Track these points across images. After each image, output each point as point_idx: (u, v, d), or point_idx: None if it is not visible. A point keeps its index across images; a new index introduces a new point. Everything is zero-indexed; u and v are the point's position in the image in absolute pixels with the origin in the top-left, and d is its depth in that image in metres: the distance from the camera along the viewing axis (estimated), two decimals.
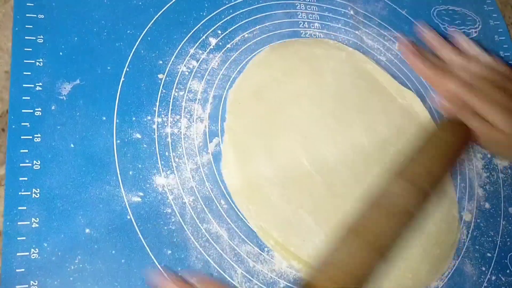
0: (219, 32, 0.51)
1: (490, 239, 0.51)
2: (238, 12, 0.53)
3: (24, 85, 0.43)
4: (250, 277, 0.42)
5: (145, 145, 0.44)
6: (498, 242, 0.51)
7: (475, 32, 0.63)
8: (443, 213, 0.50)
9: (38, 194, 0.40)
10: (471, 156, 0.55)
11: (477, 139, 0.50)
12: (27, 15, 0.45)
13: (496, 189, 0.54)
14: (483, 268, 0.49)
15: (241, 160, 0.46)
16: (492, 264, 0.50)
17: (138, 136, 0.44)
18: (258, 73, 0.51)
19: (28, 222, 0.39)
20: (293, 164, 0.47)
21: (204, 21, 0.51)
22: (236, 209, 0.44)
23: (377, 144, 0.51)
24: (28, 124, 0.42)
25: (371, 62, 0.56)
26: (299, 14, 0.56)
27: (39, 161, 0.41)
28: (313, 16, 0.56)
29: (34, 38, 0.45)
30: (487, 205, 0.53)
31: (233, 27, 0.52)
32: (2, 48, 0.44)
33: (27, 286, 0.37)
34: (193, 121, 0.46)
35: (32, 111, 0.42)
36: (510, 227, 0.52)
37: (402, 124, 0.53)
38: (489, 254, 0.50)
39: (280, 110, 0.50)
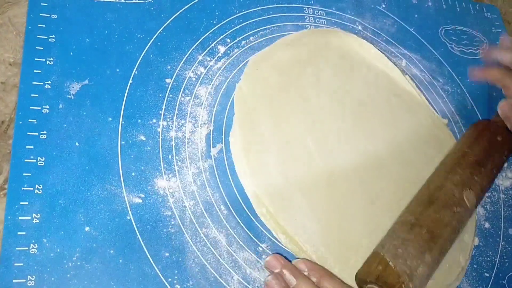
0: (228, 40, 0.52)
1: (488, 259, 0.51)
2: (247, 22, 0.54)
3: (33, 83, 0.43)
4: (246, 284, 0.42)
5: (149, 148, 0.44)
6: (497, 262, 0.51)
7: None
8: None
9: (40, 190, 0.40)
10: None
11: None
12: (40, 14, 0.46)
13: (496, 209, 0.54)
14: None
15: (247, 125, 0.47)
16: (490, 285, 0.50)
17: (143, 138, 0.45)
18: (284, 50, 0.52)
19: (29, 217, 0.39)
20: (298, 142, 0.48)
21: (213, 29, 0.52)
22: (235, 216, 0.44)
23: (392, 153, 0.51)
24: (35, 121, 0.42)
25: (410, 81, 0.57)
26: (308, 27, 0.57)
27: (43, 157, 0.41)
28: (321, 29, 0.57)
29: (46, 37, 0.45)
30: (487, 225, 0.53)
31: (242, 36, 0.53)
32: (14, 45, 0.45)
33: (24, 280, 0.37)
34: (197, 126, 0.47)
35: (39, 108, 0.43)
36: (509, 248, 0.52)
37: (423, 142, 0.54)
38: (487, 274, 0.50)
39: (297, 90, 0.50)
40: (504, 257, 0.52)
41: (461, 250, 0.49)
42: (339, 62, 0.54)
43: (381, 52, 0.57)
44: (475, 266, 0.50)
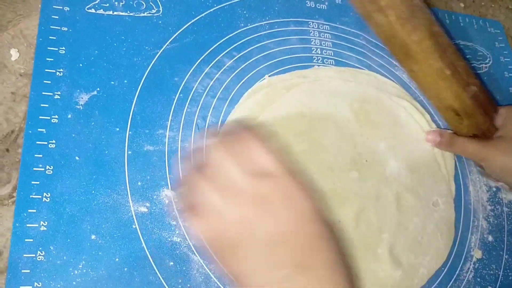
0: (234, 53, 0.53)
1: (492, 272, 0.51)
2: (253, 36, 0.55)
3: (43, 93, 0.44)
4: None
5: (155, 158, 0.45)
6: (500, 276, 0.51)
7: (486, 67, 0.65)
8: None
9: (48, 198, 0.41)
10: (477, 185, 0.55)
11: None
12: (51, 26, 0.47)
13: (500, 223, 0.54)
14: None
15: None
16: None
17: (150, 148, 0.45)
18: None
19: (37, 225, 0.40)
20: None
21: (220, 42, 0.53)
22: None
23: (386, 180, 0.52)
24: (44, 130, 0.43)
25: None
26: (313, 40, 0.57)
27: (52, 166, 0.42)
28: (326, 43, 0.58)
29: (57, 49, 0.46)
30: (490, 238, 0.53)
31: (248, 49, 0.54)
32: (25, 57, 0.46)
33: (31, 287, 0.38)
34: (203, 137, 0.48)
35: (49, 118, 0.44)
36: None
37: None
38: None
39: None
40: (508, 270, 0.52)
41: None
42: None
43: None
44: (479, 279, 0.50)
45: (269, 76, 0.53)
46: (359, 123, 0.53)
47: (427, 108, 0.58)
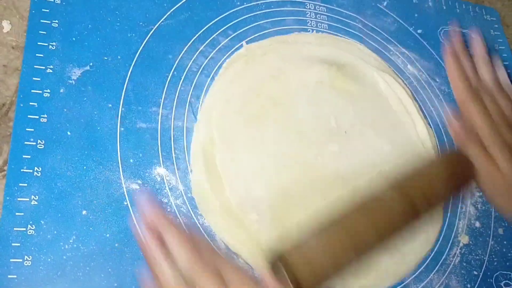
0: (230, 32, 0.53)
1: (478, 257, 0.52)
2: (249, 15, 0.54)
3: (35, 66, 0.44)
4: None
5: (148, 135, 0.45)
6: (485, 261, 0.52)
7: None
8: None
9: (39, 172, 0.41)
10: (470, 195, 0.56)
11: (476, 175, 0.50)
12: None
13: (487, 209, 0.55)
14: (469, 286, 0.50)
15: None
16: (478, 282, 0.51)
17: (142, 125, 0.45)
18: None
19: (28, 199, 0.40)
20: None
21: (215, 20, 0.52)
22: None
23: (369, 158, 0.52)
24: (36, 104, 0.43)
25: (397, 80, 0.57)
26: (309, 21, 0.57)
27: (43, 141, 0.42)
28: (322, 25, 0.58)
29: (49, 22, 0.46)
30: (477, 224, 0.53)
31: (244, 29, 0.53)
32: (17, 29, 0.45)
33: (21, 260, 0.38)
34: (196, 116, 0.47)
35: (41, 92, 0.43)
36: (498, 247, 0.53)
37: (403, 146, 0.54)
38: (475, 272, 0.51)
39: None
40: (493, 256, 0.52)
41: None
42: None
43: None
44: (464, 264, 0.51)
45: (246, 43, 0.53)
46: (335, 89, 0.53)
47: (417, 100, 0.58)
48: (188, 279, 0.35)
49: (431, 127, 0.57)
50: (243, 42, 0.53)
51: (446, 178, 0.46)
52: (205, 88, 0.49)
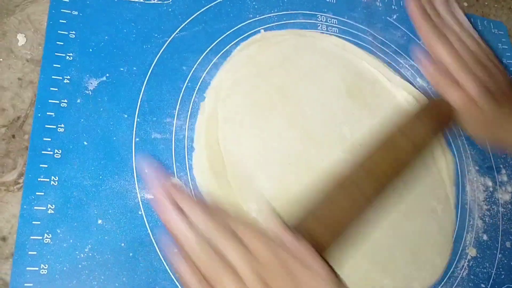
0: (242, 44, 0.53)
1: (485, 270, 0.52)
2: (261, 27, 0.55)
3: (53, 77, 0.44)
4: None
5: (162, 146, 0.46)
6: (493, 274, 0.52)
7: None
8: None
9: (56, 182, 0.41)
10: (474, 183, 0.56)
11: (457, 115, 0.51)
12: (62, 10, 0.47)
13: (495, 222, 0.55)
14: None
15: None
16: None
17: (157, 136, 0.46)
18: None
19: (44, 208, 0.40)
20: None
21: (229, 32, 0.53)
22: None
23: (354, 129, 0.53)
24: (53, 114, 0.43)
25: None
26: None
27: (60, 150, 0.42)
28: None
29: (67, 33, 0.46)
30: (485, 237, 0.54)
31: None
32: (32, 42, 0.46)
33: (37, 268, 0.38)
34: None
35: (58, 102, 0.44)
36: (505, 261, 0.53)
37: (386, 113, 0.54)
38: (483, 285, 0.51)
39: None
40: (501, 269, 0.53)
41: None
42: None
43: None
44: (472, 276, 0.51)
45: (264, 30, 0.54)
46: (350, 97, 0.54)
47: None
48: (207, 240, 0.36)
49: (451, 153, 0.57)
50: (261, 30, 0.54)
51: (430, 123, 0.49)
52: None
